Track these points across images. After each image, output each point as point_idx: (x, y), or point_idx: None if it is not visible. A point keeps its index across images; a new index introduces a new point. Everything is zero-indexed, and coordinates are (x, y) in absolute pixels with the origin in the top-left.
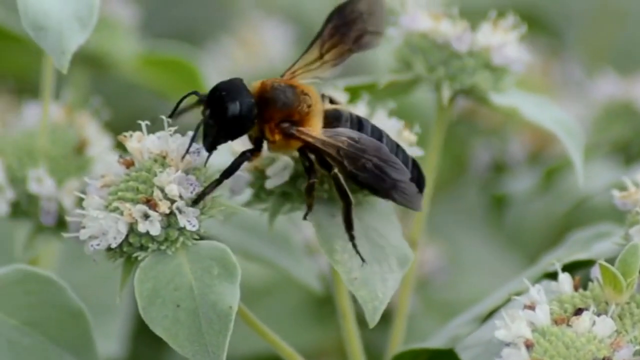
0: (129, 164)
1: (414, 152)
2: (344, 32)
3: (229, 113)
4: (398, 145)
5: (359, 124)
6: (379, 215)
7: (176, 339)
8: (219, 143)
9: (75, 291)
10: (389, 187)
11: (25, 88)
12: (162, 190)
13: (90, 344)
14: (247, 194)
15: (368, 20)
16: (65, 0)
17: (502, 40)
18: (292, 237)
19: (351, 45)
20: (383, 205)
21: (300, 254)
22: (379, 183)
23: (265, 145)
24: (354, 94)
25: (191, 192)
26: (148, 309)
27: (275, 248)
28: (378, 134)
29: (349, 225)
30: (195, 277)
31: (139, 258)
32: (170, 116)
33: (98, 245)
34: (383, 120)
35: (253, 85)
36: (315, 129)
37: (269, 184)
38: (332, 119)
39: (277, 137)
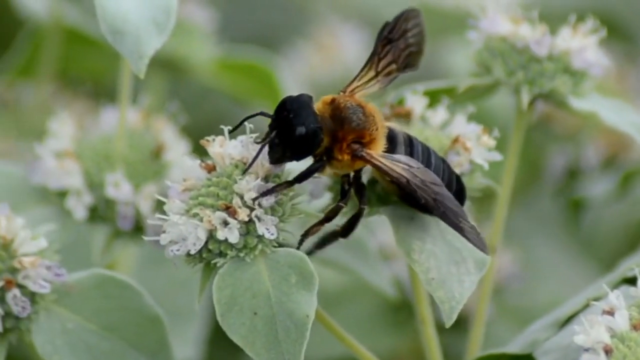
0: (211, 169)
1: (492, 156)
2: (394, 52)
3: (295, 136)
4: (444, 161)
5: (410, 144)
6: None
7: (253, 347)
8: (284, 162)
9: (152, 296)
10: (439, 212)
11: (103, 92)
12: (241, 197)
13: (167, 348)
14: (326, 197)
15: (411, 39)
16: (142, 4)
17: (582, 44)
18: (368, 243)
19: (399, 65)
20: None
21: (376, 259)
22: (429, 206)
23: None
24: (433, 97)
25: (270, 200)
26: (226, 315)
27: (351, 254)
28: (427, 153)
29: (349, 230)
30: (273, 284)
31: (218, 264)
32: (235, 129)
33: (178, 250)
34: (462, 125)
35: (323, 99)
36: (378, 151)
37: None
38: (388, 140)
39: (346, 157)
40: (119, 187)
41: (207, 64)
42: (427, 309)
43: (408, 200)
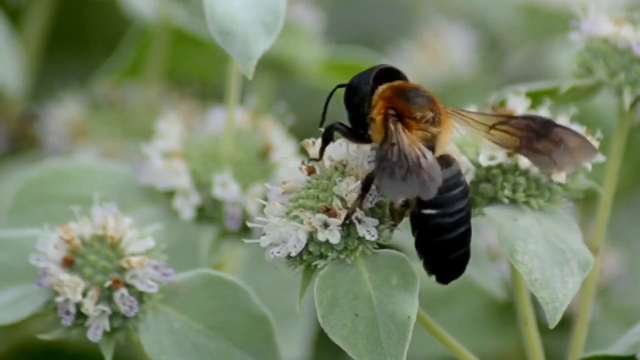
0: (311, 171)
1: (595, 158)
2: (530, 137)
3: (350, 84)
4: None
5: (457, 178)
6: (559, 220)
7: (354, 348)
8: (349, 129)
9: (259, 296)
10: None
11: (210, 93)
12: (341, 199)
13: (274, 349)
14: None
15: (565, 151)
16: (251, 5)
17: None
18: (476, 243)
19: (522, 148)
20: (563, 211)
21: (483, 259)
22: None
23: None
24: (535, 99)
25: (371, 202)
26: (327, 317)
27: None
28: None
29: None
30: (374, 286)
31: (319, 266)
32: (324, 114)
33: (278, 252)
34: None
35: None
36: (413, 140)
37: None
38: (443, 162)
39: (379, 118)
40: (226, 188)
41: (314, 64)
42: (530, 310)
43: None
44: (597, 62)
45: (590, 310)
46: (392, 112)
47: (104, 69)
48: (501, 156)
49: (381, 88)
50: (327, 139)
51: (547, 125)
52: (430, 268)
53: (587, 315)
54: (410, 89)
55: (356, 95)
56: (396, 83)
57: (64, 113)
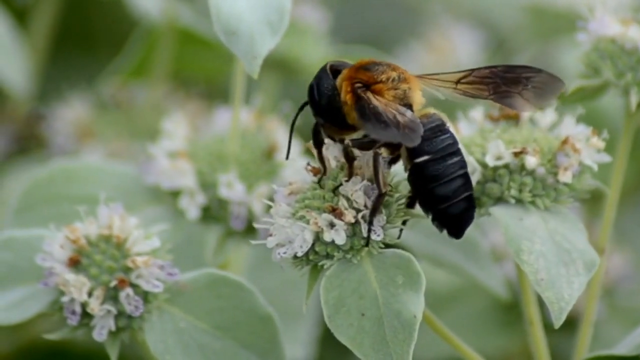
0: (317, 172)
1: (601, 158)
2: (499, 82)
3: (312, 87)
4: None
5: (440, 126)
6: (565, 221)
7: (361, 348)
8: (320, 127)
9: (264, 296)
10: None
11: (215, 93)
12: (347, 199)
13: (279, 348)
14: None
15: (535, 88)
16: (256, 5)
17: None
18: (479, 243)
19: (491, 95)
20: (569, 211)
21: (487, 259)
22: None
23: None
24: None
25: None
26: (334, 317)
27: (463, 254)
28: (450, 147)
29: (372, 212)
30: (380, 285)
31: (325, 266)
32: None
33: (285, 253)
34: (571, 126)
35: None
36: (388, 102)
37: None
38: (423, 116)
39: (348, 96)
40: (231, 187)
41: (320, 64)
42: (535, 310)
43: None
44: (604, 63)
45: (596, 310)
46: (358, 85)
47: (110, 69)
48: (508, 156)
49: (340, 76)
50: (318, 143)
51: (510, 69)
52: (439, 221)
53: (592, 315)
54: (367, 62)
55: (322, 94)
56: (352, 65)
57: (70, 113)
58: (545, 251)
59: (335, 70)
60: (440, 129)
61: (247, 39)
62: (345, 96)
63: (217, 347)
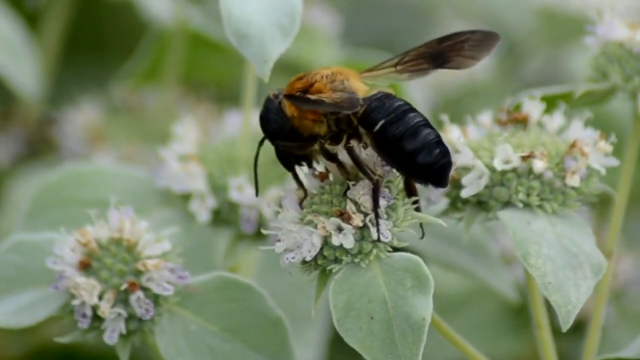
0: (324, 177)
1: (609, 162)
2: (436, 52)
3: (262, 118)
4: (426, 122)
5: (385, 96)
6: (572, 224)
7: (370, 351)
8: (282, 151)
9: (274, 299)
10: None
11: (226, 96)
12: (355, 203)
13: (288, 351)
14: (444, 203)
15: (472, 47)
16: (267, 8)
17: None
18: (488, 247)
19: (433, 67)
20: (577, 215)
21: (496, 263)
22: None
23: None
24: (550, 103)
25: (387, 201)
26: (343, 320)
27: (472, 258)
28: (402, 108)
29: (374, 204)
30: (388, 289)
31: (334, 271)
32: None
33: (293, 258)
34: (579, 130)
35: None
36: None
37: (465, 193)
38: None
39: (293, 109)
40: (242, 191)
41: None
42: (543, 313)
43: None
44: (612, 67)
45: (604, 314)
46: (298, 94)
47: (122, 72)
48: (516, 160)
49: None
50: (289, 166)
51: (444, 39)
52: (421, 176)
53: (600, 318)
54: (300, 75)
55: (271, 120)
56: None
57: (81, 117)
58: (553, 255)
59: (277, 95)
60: (387, 97)
61: (258, 43)
62: (290, 109)
63: (227, 349)
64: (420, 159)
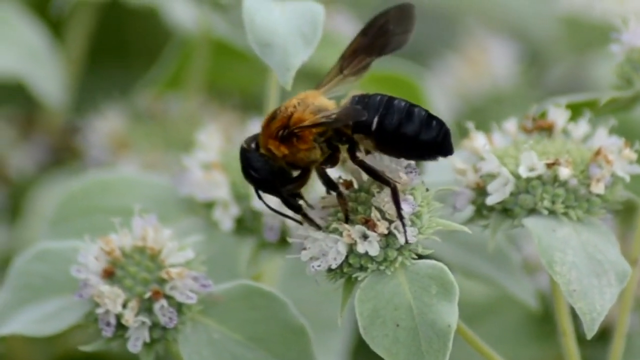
0: (349, 185)
1: (634, 169)
2: (368, 44)
3: (245, 171)
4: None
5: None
6: (597, 232)
7: (396, 358)
8: (283, 195)
9: (297, 306)
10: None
11: (249, 104)
12: (380, 210)
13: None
14: (469, 210)
15: (396, 24)
16: (290, 17)
17: None
18: (510, 255)
19: (371, 56)
20: (601, 223)
21: (519, 271)
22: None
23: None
24: (575, 110)
25: (412, 207)
26: (369, 328)
27: (495, 266)
28: (385, 101)
29: (397, 207)
30: (414, 296)
31: (359, 278)
32: None
33: (319, 266)
34: (604, 138)
35: None
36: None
37: (490, 200)
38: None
39: (283, 148)
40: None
41: None
42: (568, 321)
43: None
44: (637, 74)
45: (629, 322)
46: (280, 133)
47: (145, 80)
48: (541, 167)
49: (260, 144)
50: (296, 208)
51: (366, 29)
52: (429, 153)
53: (624, 326)
54: (266, 117)
55: (259, 169)
56: (259, 130)
57: (105, 125)
58: (578, 262)
59: (250, 144)
60: (363, 96)
61: (281, 51)
62: (280, 149)
63: (250, 358)
64: (423, 136)
